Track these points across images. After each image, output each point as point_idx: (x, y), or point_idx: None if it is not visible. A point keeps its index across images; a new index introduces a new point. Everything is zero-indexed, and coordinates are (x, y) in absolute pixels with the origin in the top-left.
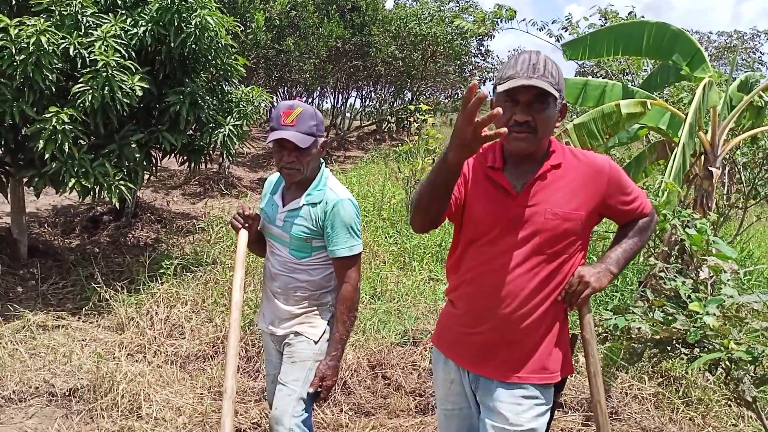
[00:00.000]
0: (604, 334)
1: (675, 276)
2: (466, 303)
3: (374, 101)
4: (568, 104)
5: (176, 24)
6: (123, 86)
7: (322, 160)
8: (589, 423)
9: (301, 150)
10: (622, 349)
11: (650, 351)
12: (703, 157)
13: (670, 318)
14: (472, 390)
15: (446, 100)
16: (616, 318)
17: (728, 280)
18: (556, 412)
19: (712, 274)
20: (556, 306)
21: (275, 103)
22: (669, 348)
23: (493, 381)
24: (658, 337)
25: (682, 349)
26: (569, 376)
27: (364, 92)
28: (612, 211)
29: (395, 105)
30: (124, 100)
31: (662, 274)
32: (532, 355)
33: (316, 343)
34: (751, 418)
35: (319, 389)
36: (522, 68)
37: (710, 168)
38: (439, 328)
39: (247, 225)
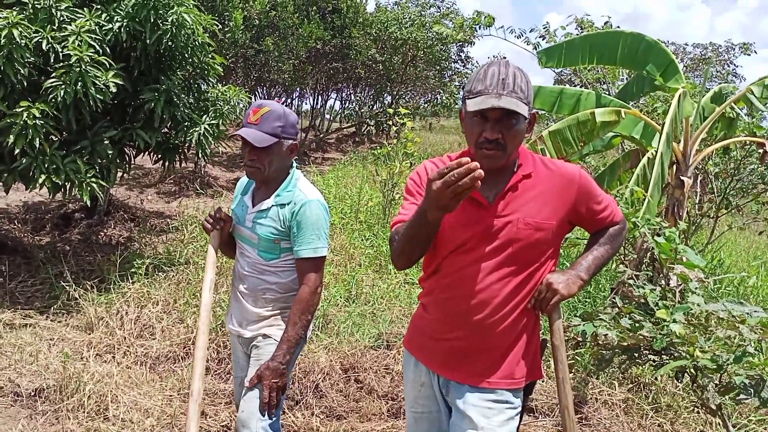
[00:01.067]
0: (576, 340)
1: (644, 283)
2: (440, 309)
3: (354, 104)
4: (537, 113)
5: (152, 20)
6: (97, 82)
7: (294, 162)
8: (559, 428)
9: (259, 149)
10: (591, 354)
11: (618, 357)
12: (675, 166)
13: (637, 325)
14: (441, 393)
15: (426, 105)
16: (585, 324)
17: (696, 288)
18: (526, 416)
19: (681, 283)
20: (527, 313)
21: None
22: (636, 355)
23: (463, 385)
24: (625, 343)
25: (650, 356)
26: (539, 381)
27: (343, 94)
28: (582, 219)
29: (375, 108)
30: (98, 96)
31: (631, 281)
32: (503, 361)
33: None
34: (718, 424)
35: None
36: (491, 83)
37: (682, 177)
38: (410, 331)
39: (218, 227)
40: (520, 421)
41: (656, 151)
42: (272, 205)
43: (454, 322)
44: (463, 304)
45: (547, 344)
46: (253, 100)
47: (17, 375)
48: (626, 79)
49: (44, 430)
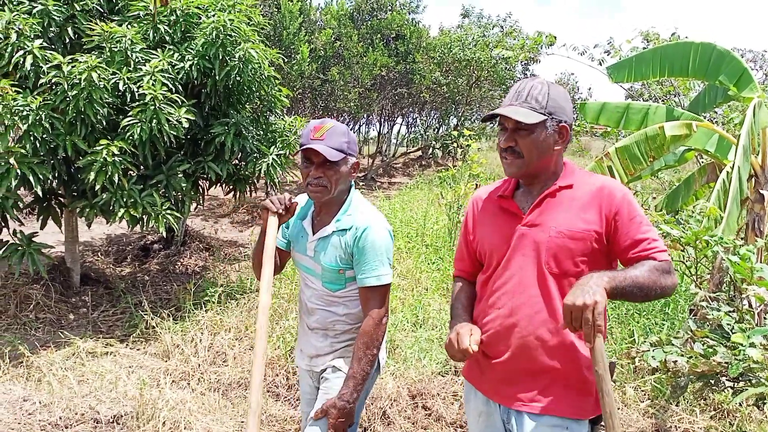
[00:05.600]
0: (652, 367)
1: (719, 306)
2: (486, 330)
3: (419, 127)
4: (568, 125)
5: (221, 57)
6: (170, 119)
7: (351, 183)
8: None
9: (329, 164)
10: (666, 382)
11: (694, 384)
12: (753, 179)
13: (710, 350)
14: (503, 423)
15: (492, 125)
16: (654, 350)
17: None
18: None
19: (761, 304)
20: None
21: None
22: (713, 381)
23: (521, 413)
24: (698, 370)
25: (727, 383)
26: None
27: (409, 119)
28: (618, 243)
29: (440, 131)
30: (171, 132)
31: (704, 304)
32: (559, 385)
33: None
34: None
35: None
36: (509, 96)
37: (761, 191)
38: (467, 361)
39: (281, 212)
40: None
41: (733, 165)
42: (333, 232)
43: (500, 343)
44: (506, 321)
45: (615, 367)
46: None
47: (97, 402)
48: (699, 90)
49: None
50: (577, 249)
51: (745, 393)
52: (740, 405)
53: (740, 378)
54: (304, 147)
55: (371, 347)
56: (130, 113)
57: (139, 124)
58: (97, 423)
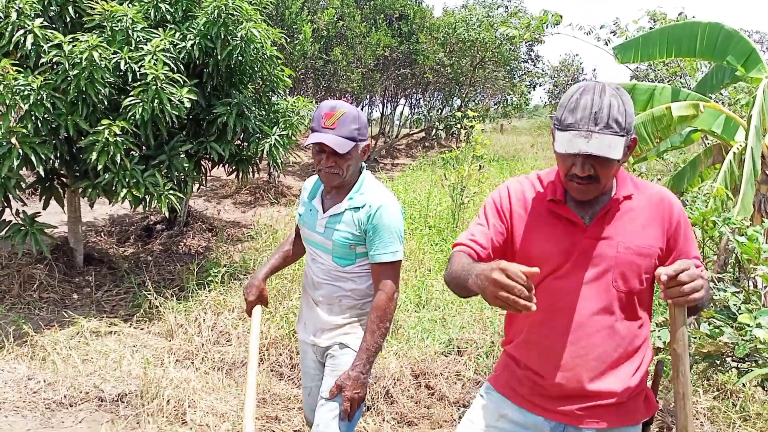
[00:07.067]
0: (656, 347)
1: (726, 286)
2: (533, 350)
3: (423, 108)
4: (635, 138)
5: (222, 37)
6: (172, 98)
7: (363, 164)
8: None
9: (339, 155)
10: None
11: (700, 364)
12: (761, 161)
13: (717, 331)
14: None
15: (495, 106)
16: (660, 331)
17: None
18: None
19: (767, 285)
20: (633, 347)
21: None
22: (719, 362)
23: (579, 428)
24: (705, 350)
25: (732, 363)
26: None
27: (412, 100)
28: (671, 260)
29: (444, 112)
30: (173, 112)
31: (711, 284)
32: (615, 403)
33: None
34: None
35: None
36: (582, 117)
37: None
38: (497, 369)
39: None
40: None
41: (741, 145)
42: (346, 209)
43: (550, 360)
44: (561, 339)
45: (664, 366)
46: None
47: (101, 381)
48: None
49: None
50: (643, 265)
51: (752, 373)
52: (744, 386)
53: (746, 358)
54: (316, 140)
55: (384, 320)
56: (132, 93)
57: (141, 104)
58: (101, 401)
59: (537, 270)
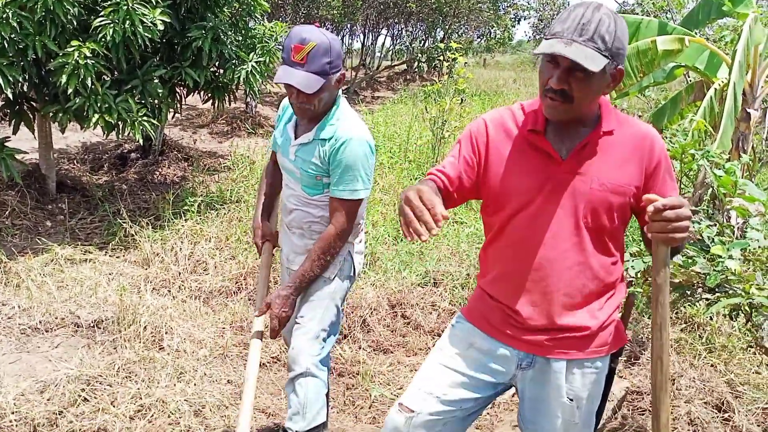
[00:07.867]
0: (628, 279)
1: (700, 219)
2: (505, 284)
3: (405, 40)
4: (623, 69)
5: None
6: (144, 20)
7: (339, 93)
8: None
9: (309, 93)
10: (642, 293)
11: (671, 295)
12: (741, 97)
13: (689, 261)
14: (518, 364)
15: (479, 39)
16: (634, 260)
17: (756, 224)
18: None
19: (741, 220)
20: (606, 283)
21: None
22: (689, 292)
23: (547, 358)
24: (677, 280)
25: (703, 294)
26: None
27: (394, 30)
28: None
29: (426, 44)
30: (146, 34)
31: None
32: (585, 335)
33: (331, 280)
34: None
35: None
36: (570, 26)
37: (748, 109)
38: (471, 302)
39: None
40: (609, 385)
41: (723, 82)
42: (313, 139)
43: (520, 293)
44: (533, 274)
45: (635, 299)
46: None
47: (77, 307)
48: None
49: (102, 358)
50: (615, 203)
51: (720, 303)
52: (711, 318)
53: (717, 289)
54: (283, 81)
55: (326, 253)
56: (102, 13)
57: (112, 25)
58: (77, 327)
59: (447, 214)
